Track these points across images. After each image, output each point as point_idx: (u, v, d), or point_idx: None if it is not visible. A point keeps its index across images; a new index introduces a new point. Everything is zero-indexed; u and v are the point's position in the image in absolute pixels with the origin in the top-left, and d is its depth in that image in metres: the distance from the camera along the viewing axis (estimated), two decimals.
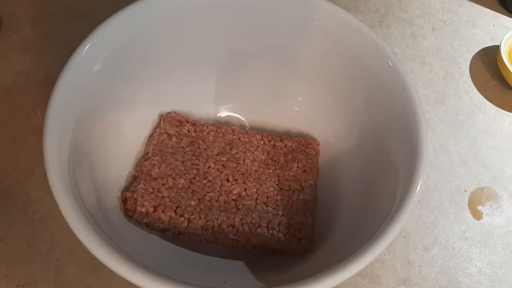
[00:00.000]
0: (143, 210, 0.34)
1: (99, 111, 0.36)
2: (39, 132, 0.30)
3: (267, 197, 0.37)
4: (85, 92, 0.33)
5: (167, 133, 0.39)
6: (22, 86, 0.43)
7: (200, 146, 0.39)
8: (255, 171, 0.39)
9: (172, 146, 0.39)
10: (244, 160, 0.39)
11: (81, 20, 0.47)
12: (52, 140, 0.30)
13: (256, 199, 0.37)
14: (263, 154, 0.40)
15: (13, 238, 0.37)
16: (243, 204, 0.37)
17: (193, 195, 0.36)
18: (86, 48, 0.33)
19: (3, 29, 0.46)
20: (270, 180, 0.38)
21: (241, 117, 0.44)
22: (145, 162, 0.37)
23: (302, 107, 0.43)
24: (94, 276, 0.36)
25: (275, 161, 0.40)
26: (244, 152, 0.40)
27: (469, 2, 0.55)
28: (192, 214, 0.35)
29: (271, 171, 0.39)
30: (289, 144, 0.41)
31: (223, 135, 0.40)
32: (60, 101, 0.31)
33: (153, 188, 0.36)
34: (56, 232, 0.37)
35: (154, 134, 0.39)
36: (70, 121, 0.31)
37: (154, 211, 0.34)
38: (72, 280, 0.36)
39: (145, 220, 0.34)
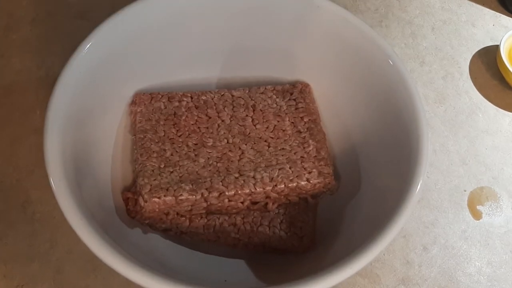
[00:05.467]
0: (149, 205, 0.34)
1: (100, 110, 0.36)
2: (39, 132, 0.30)
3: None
4: (85, 92, 0.33)
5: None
6: (22, 86, 0.43)
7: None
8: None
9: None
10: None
11: (81, 20, 0.47)
12: (53, 139, 0.30)
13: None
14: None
15: (13, 237, 0.37)
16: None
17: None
18: (86, 47, 0.33)
19: (3, 29, 0.46)
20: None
21: None
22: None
23: None
24: (94, 275, 0.36)
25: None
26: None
27: (469, 2, 0.55)
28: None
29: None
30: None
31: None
32: (61, 101, 0.31)
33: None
34: (55, 232, 0.37)
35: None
36: (70, 120, 0.31)
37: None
38: (72, 279, 0.36)
39: (147, 221, 0.35)
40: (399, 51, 0.50)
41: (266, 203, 0.36)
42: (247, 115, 0.39)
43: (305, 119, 0.39)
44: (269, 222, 0.36)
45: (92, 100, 0.34)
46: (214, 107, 0.39)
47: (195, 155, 0.36)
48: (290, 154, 0.37)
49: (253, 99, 0.40)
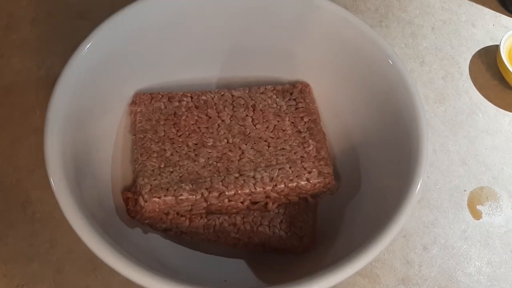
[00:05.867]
0: (149, 205, 0.34)
1: (100, 110, 0.36)
2: (39, 132, 0.30)
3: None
4: (85, 92, 0.33)
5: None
6: (22, 86, 0.43)
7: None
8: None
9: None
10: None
11: (81, 20, 0.47)
12: (53, 139, 0.30)
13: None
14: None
15: (13, 237, 0.37)
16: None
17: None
18: (86, 47, 0.33)
19: (3, 29, 0.46)
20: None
21: None
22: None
23: None
24: (94, 275, 0.36)
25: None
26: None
27: (469, 2, 0.55)
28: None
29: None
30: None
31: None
32: (61, 101, 0.31)
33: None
34: (55, 231, 0.37)
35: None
36: (70, 120, 0.31)
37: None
38: (72, 279, 0.36)
39: (147, 221, 0.35)
40: (399, 51, 0.50)
41: (266, 203, 0.36)
42: (247, 115, 0.39)
43: (305, 119, 0.39)
44: (269, 222, 0.36)
45: (92, 100, 0.34)
46: (214, 107, 0.39)
47: (195, 155, 0.36)
48: (290, 154, 0.37)
49: (253, 99, 0.40)
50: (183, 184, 0.34)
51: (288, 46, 0.41)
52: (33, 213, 0.38)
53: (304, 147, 0.38)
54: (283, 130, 0.39)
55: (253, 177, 0.35)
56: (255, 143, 0.38)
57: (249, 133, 0.38)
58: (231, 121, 0.39)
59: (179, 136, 0.37)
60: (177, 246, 0.36)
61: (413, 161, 0.32)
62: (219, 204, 0.34)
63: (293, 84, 0.41)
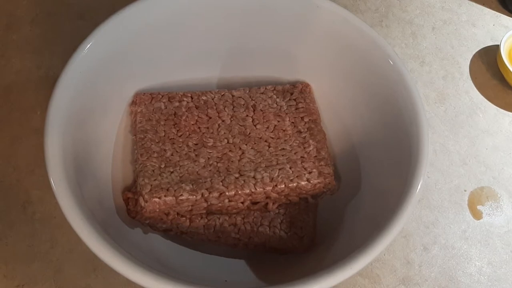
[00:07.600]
0: (149, 205, 0.34)
1: (101, 110, 0.36)
2: (39, 132, 0.30)
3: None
4: (85, 92, 0.33)
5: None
6: (22, 85, 0.43)
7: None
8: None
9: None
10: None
11: (81, 20, 0.47)
12: (53, 139, 0.30)
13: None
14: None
15: (13, 238, 0.37)
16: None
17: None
18: (87, 47, 0.33)
19: (3, 28, 0.46)
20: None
21: None
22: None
23: None
24: (94, 275, 0.36)
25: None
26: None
27: (469, 2, 0.55)
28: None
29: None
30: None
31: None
32: (61, 101, 0.31)
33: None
34: (55, 231, 0.37)
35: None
36: (71, 120, 0.31)
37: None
38: (72, 279, 0.36)
39: (147, 221, 0.35)
40: (399, 51, 0.50)
41: (267, 203, 0.36)
42: (247, 115, 0.39)
43: (306, 119, 0.39)
44: (269, 222, 0.36)
45: (92, 100, 0.34)
46: (215, 107, 0.39)
47: (196, 155, 0.36)
48: (290, 154, 0.37)
49: (253, 99, 0.40)
50: (183, 184, 0.34)
51: (288, 46, 0.41)
52: (33, 213, 0.38)
53: (304, 147, 0.38)
54: (284, 130, 0.39)
55: (254, 177, 0.35)
56: (255, 143, 0.38)
57: (250, 133, 0.38)
58: (231, 121, 0.39)
59: (180, 136, 0.37)
60: (177, 246, 0.36)
61: (414, 161, 0.32)
62: (220, 204, 0.34)
63: (294, 84, 0.41)
